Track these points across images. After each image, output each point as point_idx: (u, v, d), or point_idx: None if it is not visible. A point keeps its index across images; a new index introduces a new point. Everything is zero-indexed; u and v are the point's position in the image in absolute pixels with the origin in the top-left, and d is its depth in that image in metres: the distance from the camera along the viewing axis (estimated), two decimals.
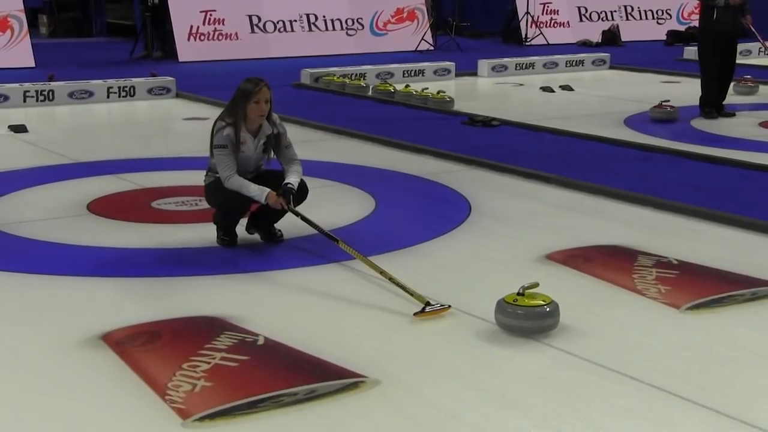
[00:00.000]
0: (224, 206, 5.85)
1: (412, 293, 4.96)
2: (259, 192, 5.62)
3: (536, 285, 4.62)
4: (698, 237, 6.26)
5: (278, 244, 5.95)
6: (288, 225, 5.94)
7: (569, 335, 4.53)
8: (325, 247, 5.65)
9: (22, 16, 15.07)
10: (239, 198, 5.68)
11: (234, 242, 5.92)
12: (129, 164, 8.21)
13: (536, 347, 4.41)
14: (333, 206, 6.85)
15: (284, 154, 5.89)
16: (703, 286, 5.20)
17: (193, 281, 5.30)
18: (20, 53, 14.89)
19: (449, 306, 4.86)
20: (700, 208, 6.69)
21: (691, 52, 16.28)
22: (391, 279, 5.10)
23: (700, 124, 10.35)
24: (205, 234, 6.02)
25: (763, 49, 12.32)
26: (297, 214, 5.68)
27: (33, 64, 14.78)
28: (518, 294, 4.59)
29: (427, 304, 4.86)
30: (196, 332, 4.52)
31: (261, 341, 4.41)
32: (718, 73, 10.53)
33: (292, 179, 5.76)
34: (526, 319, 4.50)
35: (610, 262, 5.66)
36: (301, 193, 5.83)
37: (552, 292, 4.65)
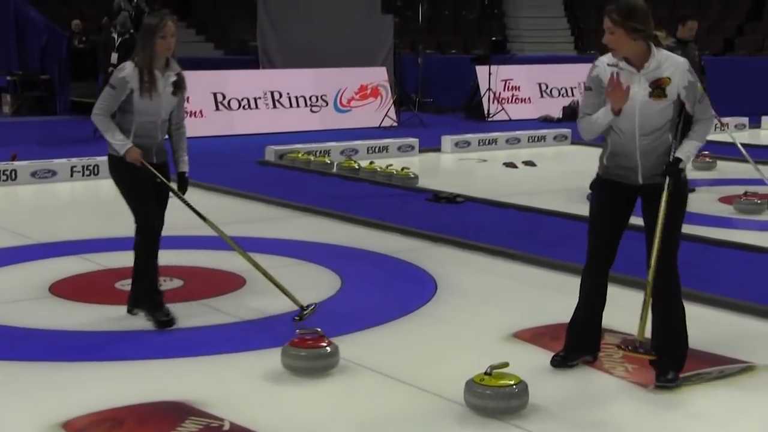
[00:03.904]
0: (130, 186, 5.84)
1: (290, 296, 5.49)
2: (121, 144, 5.69)
3: (506, 365, 4.61)
4: None
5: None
6: (255, 307, 5.90)
7: (538, 416, 4.50)
8: (286, 328, 5.60)
9: None
10: (143, 177, 5.75)
11: (172, 320, 5.81)
12: (93, 244, 8.14)
13: (505, 428, 4.37)
14: (299, 285, 6.79)
15: (179, 110, 5.95)
16: None
17: (156, 364, 5.23)
18: None
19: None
20: None
21: None
22: (265, 274, 5.24)
23: None
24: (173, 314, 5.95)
25: (719, 126, 12.53)
26: (180, 197, 5.90)
27: None
28: (486, 373, 4.57)
29: (303, 308, 5.52)
30: (161, 418, 4.44)
31: (227, 426, 4.35)
32: None
33: (185, 167, 5.94)
34: (494, 399, 4.47)
35: None
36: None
37: (520, 372, 4.63)
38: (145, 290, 5.89)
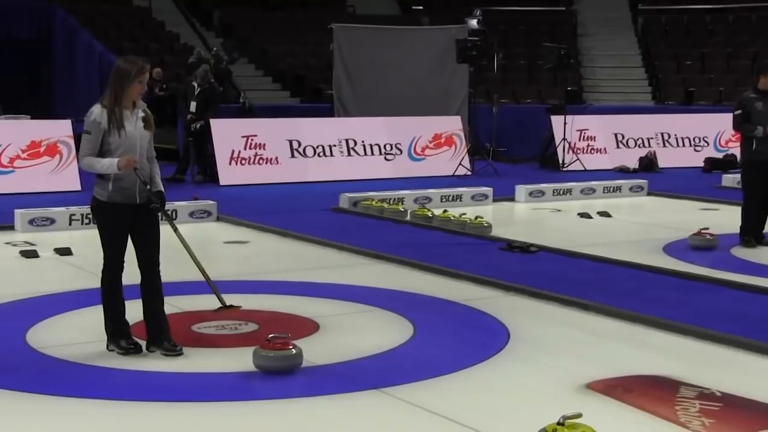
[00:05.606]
0: (109, 226, 6.28)
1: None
2: (109, 163, 6.02)
3: (579, 415, 4.58)
4: (741, 368, 6.18)
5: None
6: (325, 349, 5.96)
7: None
8: (357, 373, 5.64)
9: (71, 141, 15.37)
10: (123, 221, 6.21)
11: (138, 347, 6.29)
12: (170, 287, 8.20)
13: None
14: (371, 331, 6.86)
15: (150, 147, 6.27)
16: (749, 420, 5.12)
17: (235, 407, 5.31)
18: (68, 177, 15.15)
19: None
20: (742, 339, 6.62)
21: (729, 179, 16.30)
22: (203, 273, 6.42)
23: (740, 252, 10.29)
24: (246, 359, 6.04)
25: None
26: (166, 215, 6.43)
27: (79, 188, 15.00)
28: (558, 424, 4.55)
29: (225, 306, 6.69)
30: None
31: None
32: (760, 203, 10.54)
33: (161, 188, 6.34)
34: None
35: (651, 392, 5.60)
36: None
37: (594, 423, 4.60)
38: (115, 321, 6.40)
